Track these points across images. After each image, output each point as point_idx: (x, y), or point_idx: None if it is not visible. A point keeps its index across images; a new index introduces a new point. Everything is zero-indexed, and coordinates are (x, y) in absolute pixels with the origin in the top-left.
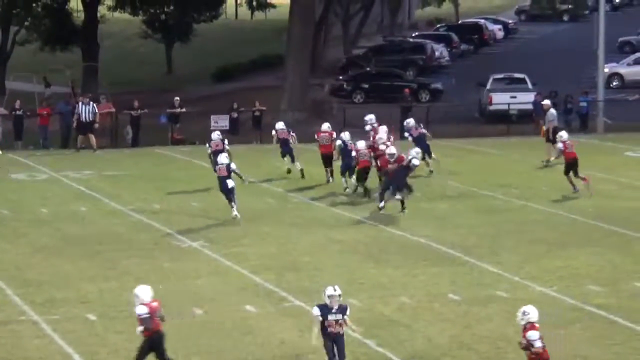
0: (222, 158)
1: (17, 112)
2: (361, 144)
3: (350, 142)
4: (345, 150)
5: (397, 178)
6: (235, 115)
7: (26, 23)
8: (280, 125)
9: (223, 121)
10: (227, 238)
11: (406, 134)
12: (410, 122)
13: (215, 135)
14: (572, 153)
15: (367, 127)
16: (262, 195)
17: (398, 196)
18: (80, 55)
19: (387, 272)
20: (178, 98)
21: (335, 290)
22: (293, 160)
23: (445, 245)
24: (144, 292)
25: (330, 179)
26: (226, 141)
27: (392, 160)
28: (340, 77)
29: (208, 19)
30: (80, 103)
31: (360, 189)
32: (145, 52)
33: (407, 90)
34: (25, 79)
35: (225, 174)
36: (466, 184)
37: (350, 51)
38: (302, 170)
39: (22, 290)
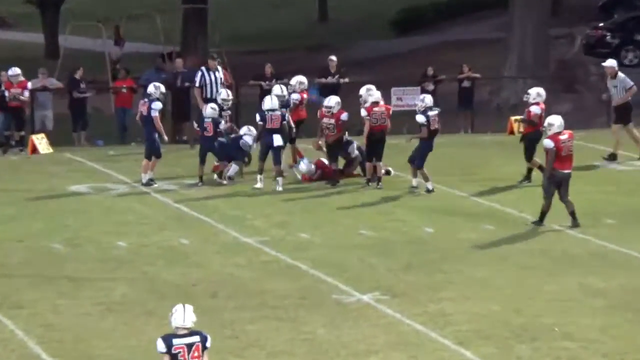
0: (274, 102)
1: (80, 88)
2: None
3: None
4: None
5: None
6: (430, 87)
7: None
8: (210, 111)
9: (410, 97)
10: (418, 288)
11: None
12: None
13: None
14: None
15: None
16: (478, 220)
17: None
18: None
19: None
20: (335, 59)
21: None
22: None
23: None
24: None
25: None
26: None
27: None
28: (601, 25)
29: None
30: (203, 68)
31: None
32: None
33: None
34: (89, 32)
35: (278, 125)
36: None
37: None
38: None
39: None
